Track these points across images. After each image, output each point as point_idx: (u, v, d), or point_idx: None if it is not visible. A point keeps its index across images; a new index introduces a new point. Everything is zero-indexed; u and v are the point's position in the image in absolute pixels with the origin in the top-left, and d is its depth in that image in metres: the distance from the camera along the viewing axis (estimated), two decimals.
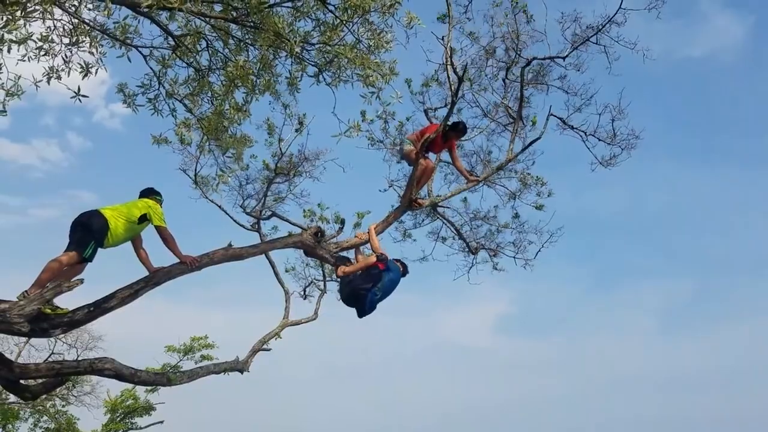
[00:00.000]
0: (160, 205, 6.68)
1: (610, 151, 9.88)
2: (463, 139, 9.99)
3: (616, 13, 8.85)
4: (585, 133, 9.86)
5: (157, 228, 6.48)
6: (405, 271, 7.32)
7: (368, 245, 7.65)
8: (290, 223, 9.99)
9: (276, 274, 10.73)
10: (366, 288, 6.67)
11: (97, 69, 5.85)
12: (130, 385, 20.72)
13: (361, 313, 6.86)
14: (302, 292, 11.87)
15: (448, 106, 8.27)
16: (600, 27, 9.08)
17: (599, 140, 9.85)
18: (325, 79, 5.84)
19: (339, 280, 7.15)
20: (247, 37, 5.58)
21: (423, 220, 11.18)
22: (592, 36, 9.18)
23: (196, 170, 9.91)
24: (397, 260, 7.29)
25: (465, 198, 10.88)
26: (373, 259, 6.87)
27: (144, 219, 6.47)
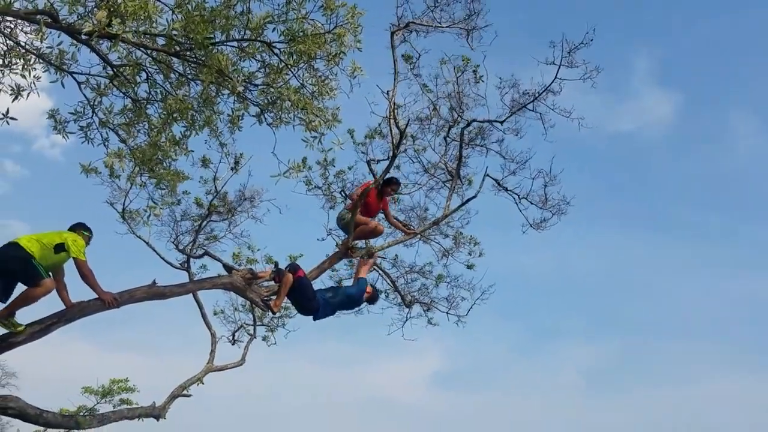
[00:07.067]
0: (88, 241, 6.39)
1: (542, 215, 10.18)
2: (402, 192, 10.10)
3: (552, 82, 9.16)
4: (518, 196, 10.13)
5: (75, 261, 6.13)
6: (374, 296, 7.79)
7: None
8: (222, 263, 9.72)
9: (203, 316, 10.36)
10: (308, 296, 7.00)
11: (29, 93, 5.68)
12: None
13: (316, 316, 7.20)
14: (231, 337, 11.49)
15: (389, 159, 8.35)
16: (537, 95, 9.39)
17: (531, 203, 10.14)
18: (266, 119, 5.82)
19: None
20: (189, 72, 5.52)
21: None
22: (528, 103, 9.47)
23: (124, 204, 9.60)
24: (372, 285, 7.81)
25: (396, 255, 10.97)
26: (289, 277, 6.93)
27: (61, 249, 6.14)
